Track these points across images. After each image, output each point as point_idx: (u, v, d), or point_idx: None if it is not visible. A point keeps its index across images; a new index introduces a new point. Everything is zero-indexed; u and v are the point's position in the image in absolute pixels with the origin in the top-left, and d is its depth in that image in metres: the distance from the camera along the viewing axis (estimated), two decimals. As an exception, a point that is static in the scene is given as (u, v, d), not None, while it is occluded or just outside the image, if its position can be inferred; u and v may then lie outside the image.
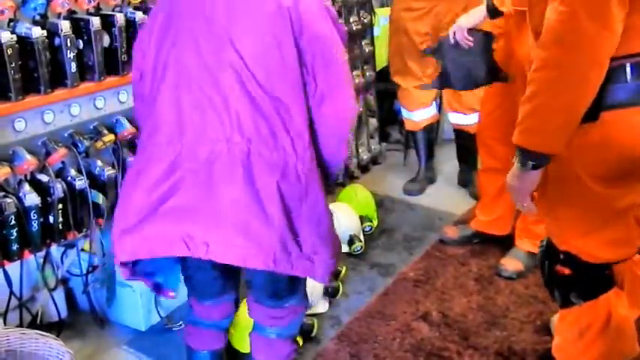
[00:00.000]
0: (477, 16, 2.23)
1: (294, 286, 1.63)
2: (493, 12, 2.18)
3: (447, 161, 3.47)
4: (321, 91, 1.44)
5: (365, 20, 3.22)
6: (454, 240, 2.72)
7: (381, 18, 3.38)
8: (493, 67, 2.29)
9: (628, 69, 1.21)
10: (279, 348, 1.74)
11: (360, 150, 3.37)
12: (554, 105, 1.20)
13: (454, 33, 2.33)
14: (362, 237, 2.77)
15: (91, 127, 2.05)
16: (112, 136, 2.06)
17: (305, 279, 1.65)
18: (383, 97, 3.52)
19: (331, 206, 2.84)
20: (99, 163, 2.05)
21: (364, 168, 3.43)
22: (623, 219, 1.37)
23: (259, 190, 1.39)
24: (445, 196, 3.21)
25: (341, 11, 3.10)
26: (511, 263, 2.50)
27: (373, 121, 3.43)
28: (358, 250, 2.71)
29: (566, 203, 1.37)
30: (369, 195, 2.98)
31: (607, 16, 1.13)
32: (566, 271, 1.45)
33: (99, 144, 2.03)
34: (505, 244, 2.62)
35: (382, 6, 3.52)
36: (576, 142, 1.27)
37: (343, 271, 2.52)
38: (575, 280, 1.46)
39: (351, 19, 3.15)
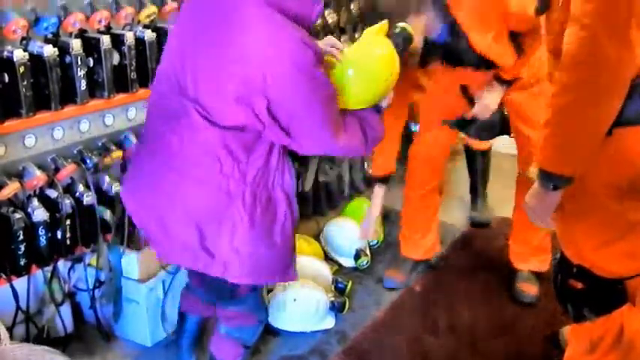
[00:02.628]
0: (499, 93, 2.17)
1: (235, 292, 1.64)
2: (507, 84, 2.17)
3: (453, 172, 3.43)
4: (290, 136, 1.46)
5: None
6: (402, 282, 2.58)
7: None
8: (507, 120, 2.33)
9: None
10: (226, 346, 1.78)
11: (365, 163, 3.34)
12: (577, 128, 1.19)
13: (480, 112, 2.26)
14: (368, 251, 2.73)
15: (100, 144, 2.04)
16: (120, 153, 2.04)
17: (256, 290, 1.69)
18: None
19: (337, 221, 2.87)
20: (107, 178, 2.03)
21: (369, 181, 3.38)
22: (637, 233, 1.34)
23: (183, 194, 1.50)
24: (450, 209, 3.17)
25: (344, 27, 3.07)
26: (531, 287, 2.44)
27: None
28: (364, 265, 2.66)
29: (580, 217, 1.35)
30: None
31: (628, 39, 1.12)
32: (579, 285, 1.43)
33: (107, 160, 2.01)
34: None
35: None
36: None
37: (349, 286, 2.47)
38: (588, 294, 1.43)
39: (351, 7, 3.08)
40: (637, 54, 1.14)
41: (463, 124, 2.29)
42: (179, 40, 1.50)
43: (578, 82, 1.17)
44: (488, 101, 2.18)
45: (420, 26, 1.89)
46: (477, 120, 2.24)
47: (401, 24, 1.67)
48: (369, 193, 3.24)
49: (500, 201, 2.87)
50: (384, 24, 1.63)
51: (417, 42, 1.88)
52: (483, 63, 2.05)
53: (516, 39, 2.01)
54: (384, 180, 2.42)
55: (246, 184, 1.46)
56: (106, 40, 1.89)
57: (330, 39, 1.64)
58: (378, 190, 2.43)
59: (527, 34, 1.99)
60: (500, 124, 2.31)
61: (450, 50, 2.01)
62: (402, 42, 1.61)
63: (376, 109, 1.59)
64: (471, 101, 2.26)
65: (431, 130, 2.43)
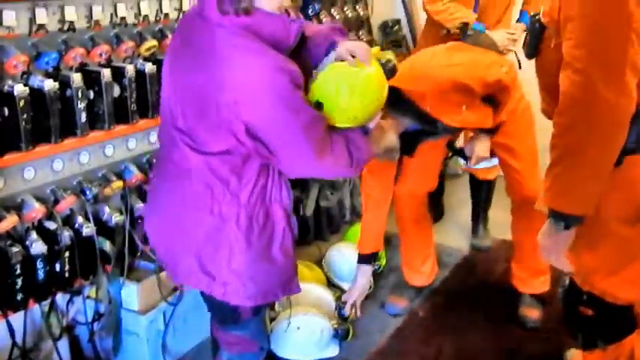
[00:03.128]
0: (487, 141, 2.20)
1: (237, 316, 1.60)
2: (492, 132, 2.20)
3: (454, 195, 3.40)
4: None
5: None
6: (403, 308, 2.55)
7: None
8: None
9: None
10: None
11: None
12: (582, 169, 1.20)
13: (477, 162, 2.28)
14: (371, 277, 2.68)
15: (100, 175, 2.02)
16: (120, 183, 2.03)
17: (258, 315, 1.65)
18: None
19: (339, 246, 2.84)
20: (107, 209, 2.01)
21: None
22: None
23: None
24: (453, 232, 3.13)
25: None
26: (533, 311, 2.43)
27: (377, 162, 3.39)
28: (367, 291, 2.62)
29: (589, 245, 1.35)
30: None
31: (624, 84, 1.14)
32: (590, 312, 1.41)
33: (107, 190, 2.00)
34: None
35: (382, 49, 3.53)
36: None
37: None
38: (598, 321, 1.42)
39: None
40: (633, 96, 1.15)
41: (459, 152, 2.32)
42: (169, 71, 1.52)
43: (579, 125, 1.17)
44: (481, 152, 2.21)
45: (394, 124, 1.92)
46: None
47: (388, 54, 1.67)
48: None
49: (501, 223, 2.83)
50: (375, 48, 1.64)
51: (393, 141, 1.92)
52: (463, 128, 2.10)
53: (489, 97, 2.04)
54: (370, 259, 2.37)
55: (240, 206, 1.45)
56: (106, 73, 1.89)
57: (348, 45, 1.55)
58: (364, 270, 2.36)
59: (497, 93, 2.03)
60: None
61: (428, 132, 2.05)
62: (388, 72, 1.61)
63: (363, 130, 1.57)
64: (458, 152, 2.29)
65: (415, 167, 2.40)
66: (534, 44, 1.45)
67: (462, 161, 2.56)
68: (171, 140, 1.48)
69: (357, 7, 3.13)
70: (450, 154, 2.46)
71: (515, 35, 2.72)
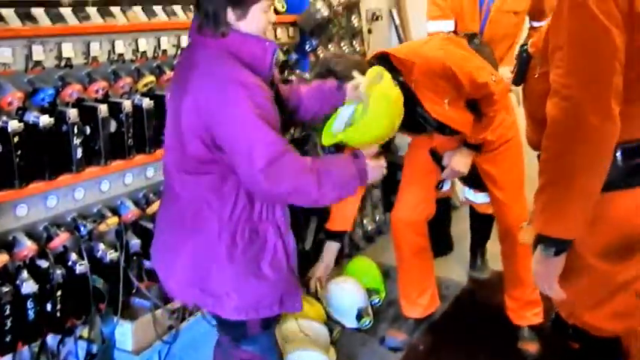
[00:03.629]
0: (467, 157, 2.19)
1: (244, 330, 1.58)
2: (476, 148, 2.19)
3: (453, 227, 3.35)
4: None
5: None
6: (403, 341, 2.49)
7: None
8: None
9: (619, 153, 1.25)
10: None
11: (364, 221, 3.27)
12: (571, 194, 1.22)
13: (450, 176, 2.29)
14: (370, 311, 2.62)
15: (95, 210, 1.97)
16: (115, 219, 1.98)
17: (268, 329, 1.63)
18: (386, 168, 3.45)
19: (338, 281, 2.77)
20: (101, 246, 1.96)
21: (369, 238, 3.32)
22: (626, 292, 1.36)
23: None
24: (452, 264, 3.07)
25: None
26: (532, 345, 2.39)
27: (376, 191, 3.35)
28: (367, 325, 2.56)
29: (570, 279, 1.35)
30: (375, 267, 2.87)
31: (608, 110, 1.17)
32: (576, 345, 1.41)
33: (102, 227, 1.94)
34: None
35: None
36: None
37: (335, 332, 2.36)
38: (585, 354, 1.42)
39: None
40: (617, 123, 1.18)
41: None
42: (168, 100, 1.58)
43: (567, 150, 1.20)
44: (456, 166, 2.17)
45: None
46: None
47: (378, 68, 1.69)
48: (369, 250, 3.18)
49: (499, 255, 2.78)
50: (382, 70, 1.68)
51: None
52: (446, 127, 2.05)
53: (474, 105, 2.03)
54: (338, 236, 2.42)
55: (221, 223, 1.48)
56: (103, 109, 1.86)
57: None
58: (331, 246, 2.42)
59: (481, 99, 2.01)
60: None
61: (412, 119, 1.99)
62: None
63: (353, 154, 1.52)
64: (440, 164, 2.26)
65: (410, 191, 2.39)
66: (521, 72, 1.51)
67: (461, 196, 2.53)
68: (164, 163, 1.58)
69: (354, 42, 3.14)
70: (441, 185, 2.42)
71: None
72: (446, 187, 2.34)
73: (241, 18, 1.42)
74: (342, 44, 3.05)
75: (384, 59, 1.97)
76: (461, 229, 3.25)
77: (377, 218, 3.36)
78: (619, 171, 1.25)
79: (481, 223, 2.97)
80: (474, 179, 2.39)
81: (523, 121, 1.88)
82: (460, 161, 2.17)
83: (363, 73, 1.72)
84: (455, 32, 2.46)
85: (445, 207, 3.17)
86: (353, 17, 3.13)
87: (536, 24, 2.57)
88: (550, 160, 1.23)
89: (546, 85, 1.26)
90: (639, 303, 1.37)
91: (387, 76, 1.68)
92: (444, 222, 3.19)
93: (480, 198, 2.79)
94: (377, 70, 1.69)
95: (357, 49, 3.15)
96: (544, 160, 1.25)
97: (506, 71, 2.58)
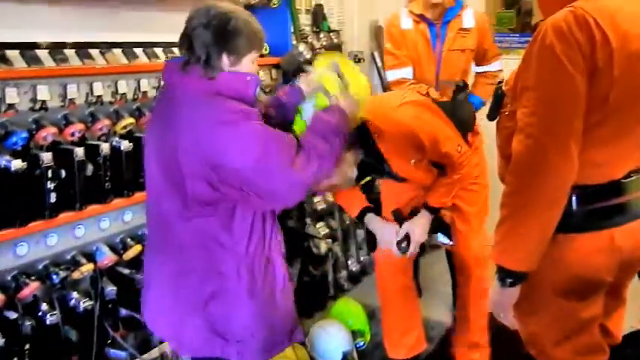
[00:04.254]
0: (426, 223, 2.13)
1: None
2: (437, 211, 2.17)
3: (435, 266, 3.27)
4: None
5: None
6: None
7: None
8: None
9: (574, 198, 1.29)
10: None
11: (349, 262, 3.19)
12: (528, 227, 1.26)
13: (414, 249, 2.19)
14: (355, 354, 2.51)
15: (69, 257, 1.88)
16: (90, 266, 1.89)
17: None
18: (371, 207, 3.39)
19: (322, 324, 2.67)
20: (75, 294, 1.86)
21: (354, 279, 3.23)
22: (590, 329, 1.39)
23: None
24: (434, 305, 2.98)
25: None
26: None
27: (361, 232, 3.28)
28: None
29: (536, 315, 1.39)
30: (360, 308, 2.77)
31: (570, 151, 1.23)
32: None
33: (76, 274, 1.84)
34: None
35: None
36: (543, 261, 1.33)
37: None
38: None
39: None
40: (576, 163, 1.24)
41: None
42: (148, 144, 1.50)
43: (528, 186, 1.25)
44: (418, 237, 2.11)
45: (350, 159, 1.88)
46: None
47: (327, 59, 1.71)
48: (355, 292, 3.08)
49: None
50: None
51: (350, 173, 1.89)
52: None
53: (438, 164, 2.05)
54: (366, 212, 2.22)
55: (239, 260, 1.42)
56: (79, 152, 1.79)
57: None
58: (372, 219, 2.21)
59: (446, 164, 2.03)
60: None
61: (374, 169, 2.02)
62: None
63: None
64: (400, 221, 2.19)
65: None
66: (495, 108, 1.55)
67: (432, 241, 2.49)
68: (159, 213, 1.46)
69: (337, 83, 3.13)
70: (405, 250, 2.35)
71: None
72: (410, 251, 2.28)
73: (234, 65, 1.41)
74: (324, 85, 3.04)
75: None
76: (442, 269, 3.18)
77: (361, 259, 3.29)
78: (575, 215, 1.29)
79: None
80: (440, 224, 2.34)
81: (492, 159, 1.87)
82: (421, 231, 2.13)
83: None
84: (414, 78, 2.56)
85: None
86: (335, 59, 3.13)
87: (480, 69, 2.72)
88: (511, 194, 1.28)
89: (514, 123, 1.30)
90: (603, 339, 1.41)
91: (342, 60, 1.70)
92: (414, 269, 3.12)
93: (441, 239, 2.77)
94: (327, 60, 1.69)
95: (340, 90, 3.14)
96: (506, 193, 1.29)
97: None
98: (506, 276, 1.29)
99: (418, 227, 2.11)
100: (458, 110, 2.20)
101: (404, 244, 2.08)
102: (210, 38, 1.37)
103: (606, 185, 1.30)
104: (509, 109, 1.41)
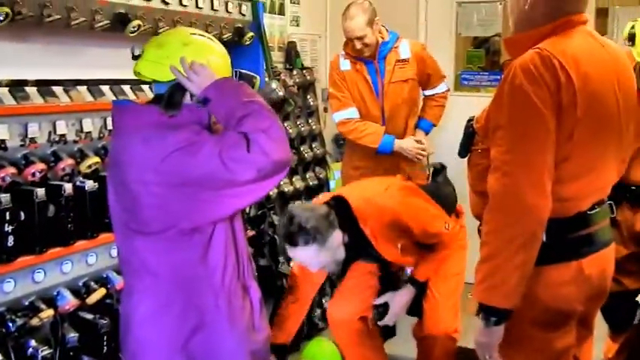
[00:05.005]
0: (408, 296, 2.15)
1: None
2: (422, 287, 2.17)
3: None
4: None
5: (320, 175, 3.17)
6: None
7: (336, 172, 3.34)
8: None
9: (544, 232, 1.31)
10: None
11: (323, 300, 3.11)
12: (511, 264, 1.28)
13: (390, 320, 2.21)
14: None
15: (27, 303, 1.77)
16: (50, 311, 1.78)
17: None
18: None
19: (295, 365, 2.58)
20: (33, 342, 1.75)
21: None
22: (567, 357, 1.42)
23: None
24: (406, 342, 2.89)
25: (297, 169, 3.03)
26: None
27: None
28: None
29: (512, 347, 1.38)
30: (334, 348, 2.67)
31: (543, 187, 1.26)
32: None
33: (34, 321, 1.74)
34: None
35: (337, 161, 3.51)
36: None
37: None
38: None
39: (307, 175, 3.09)
40: (550, 199, 1.27)
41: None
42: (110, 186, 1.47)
43: (507, 224, 1.28)
44: (398, 309, 2.13)
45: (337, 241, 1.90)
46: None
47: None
48: (329, 331, 2.99)
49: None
50: None
51: (338, 255, 1.92)
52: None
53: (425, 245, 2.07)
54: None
55: (215, 292, 1.40)
56: (40, 193, 1.72)
57: None
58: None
59: (435, 243, 2.06)
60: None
61: (361, 252, 2.03)
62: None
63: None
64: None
65: (348, 292, 2.28)
66: (466, 146, 1.57)
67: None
68: (131, 252, 1.42)
69: (310, 121, 3.13)
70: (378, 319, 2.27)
71: (423, 144, 2.80)
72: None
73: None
74: (298, 122, 3.03)
75: (340, 203, 1.95)
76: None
77: (336, 296, 3.21)
78: (545, 248, 1.30)
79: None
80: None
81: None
82: (402, 305, 2.14)
83: (331, 225, 1.83)
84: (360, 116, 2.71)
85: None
86: (308, 96, 3.13)
87: (427, 92, 2.86)
88: (491, 233, 1.31)
89: (487, 161, 1.34)
90: None
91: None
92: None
93: None
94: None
95: (314, 127, 3.14)
96: (486, 232, 1.32)
97: (411, 141, 2.76)
98: (491, 314, 1.31)
99: (400, 300, 2.11)
100: (440, 190, 2.22)
101: (381, 310, 2.06)
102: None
103: (573, 218, 1.34)
104: (480, 147, 1.44)
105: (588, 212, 1.35)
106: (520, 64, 1.27)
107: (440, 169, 2.31)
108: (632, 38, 2.02)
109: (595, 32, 1.42)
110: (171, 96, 1.37)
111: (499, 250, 1.28)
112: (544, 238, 1.30)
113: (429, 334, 2.22)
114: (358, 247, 1.97)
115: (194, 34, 1.47)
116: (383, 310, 2.10)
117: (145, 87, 2.13)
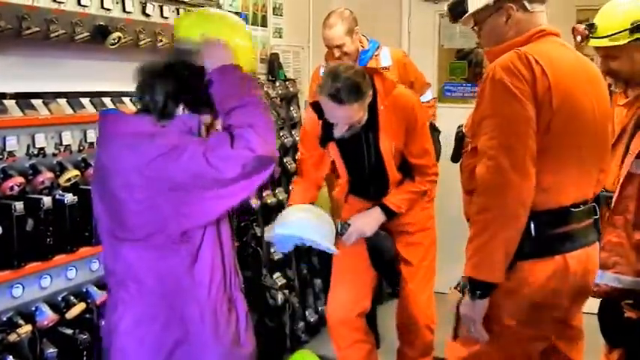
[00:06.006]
0: (375, 220, 2.19)
1: None
2: (390, 214, 2.21)
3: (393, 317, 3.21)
4: None
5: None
6: None
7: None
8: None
9: (532, 225, 1.40)
10: None
11: (306, 312, 3.11)
12: (495, 241, 1.37)
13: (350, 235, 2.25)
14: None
15: (5, 319, 1.75)
16: (29, 327, 1.76)
17: None
18: (328, 255, 3.34)
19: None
20: (11, 359, 1.72)
21: (313, 330, 3.13)
22: (538, 352, 1.51)
23: None
24: (392, 355, 2.90)
25: (280, 181, 3.03)
26: None
27: (318, 282, 3.22)
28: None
29: (491, 340, 1.46)
30: (318, 361, 2.66)
31: (525, 169, 1.36)
32: None
33: (12, 337, 1.71)
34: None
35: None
36: (502, 287, 1.41)
37: None
38: None
39: (291, 187, 3.08)
40: (533, 182, 1.37)
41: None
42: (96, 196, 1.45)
43: (493, 203, 1.38)
44: (361, 225, 2.17)
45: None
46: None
47: None
48: (313, 344, 2.99)
49: (439, 343, 2.66)
50: None
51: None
52: (375, 178, 2.18)
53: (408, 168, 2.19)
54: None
55: (200, 305, 1.40)
56: (18, 207, 1.71)
57: None
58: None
59: (418, 167, 2.18)
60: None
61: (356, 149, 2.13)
62: None
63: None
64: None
65: (343, 288, 2.30)
66: (457, 150, 1.70)
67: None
68: (117, 262, 1.41)
69: (293, 132, 3.13)
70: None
71: None
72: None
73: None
74: (281, 134, 3.04)
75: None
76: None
77: (319, 309, 3.20)
78: (533, 242, 1.40)
79: None
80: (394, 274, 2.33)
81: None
82: (366, 222, 2.18)
83: (368, 84, 2.01)
84: None
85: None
86: (291, 108, 3.15)
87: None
88: (478, 213, 1.40)
89: (474, 160, 1.44)
90: None
91: None
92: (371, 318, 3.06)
93: None
94: None
95: (297, 138, 3.14)
96: (474, 212, 1.41)
97: None
98: (477, 288, 1.41)
99: (363, 218, 2.17)
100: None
101: (346, 225, 2.14)
102: (174, 87, 1.39)
103: (557, 212, 1.42)
104: (470, 147, 1.53)
105: (572, 209, 1.43)
106: (499, 63, 1.40)
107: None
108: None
109: (567, 43, 1.54)
110: (164, 106, 1.39)
111: (485, 229, 1.37)
112: (533, 232, 1.39)
113: (407, 324, 2.31)
114: (367, 126, 2.07)
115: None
116: (348, 226, 2.15)
117: (126, 99, 2.13)
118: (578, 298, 1.52)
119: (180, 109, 1.40)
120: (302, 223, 2.01)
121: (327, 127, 2.13)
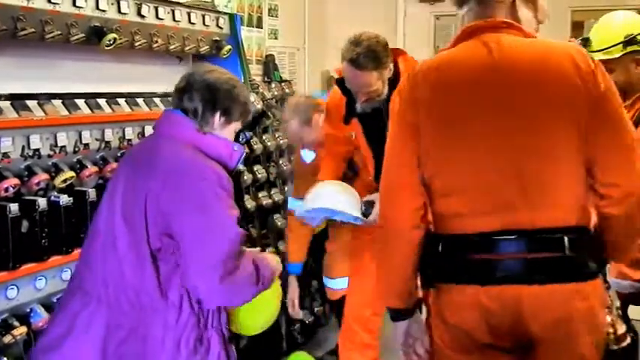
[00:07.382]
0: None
1: None
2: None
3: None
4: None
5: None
6: None
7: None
8: None
9: (440, 247, 1.31)
10: None
11: (302, 313, 3.11)
12: (388, 271, 1.38)
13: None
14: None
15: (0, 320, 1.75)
16: (23, 328, 1.77)
17: None
18: (323, 257, 3.35)
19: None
20: (5, 361, 1.71)
21: (308, 332, 3.14)
22: None
23: None
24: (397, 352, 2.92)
25: (275, 182, 3.04)
26: None
27: (314, 283, 3.22)
28: None
29: None
30: (314, 363, 2.68)
31: (398, 201, 1.33)
32: None
33: (7, 338, 1.72)
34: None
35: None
36: (431, 308, 1.38)
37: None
38: None
39: (286, 188, 3.11)
40: (409, 215, 1.31)
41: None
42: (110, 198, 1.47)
43: (378, 236, 1.40)
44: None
45: None
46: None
47: None
48: (309, 345, 3.00)
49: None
50: None
51: None
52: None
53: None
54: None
55: (166, 329, 1.38)
56: (13, 208, 1.71)
57: None
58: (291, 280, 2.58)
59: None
60: None
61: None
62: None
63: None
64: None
65: (361, 289, 2.31)
66: None
67: None
68: (113, 257, 1.41)
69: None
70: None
71: None
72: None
73: (221, 127, 1.50)
74: (276, 135, 3.06)
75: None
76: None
77: (315, 310, 3.21)
78: (444, 264, 1.31)
79: None
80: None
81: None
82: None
83: (389, 55, 2.03)
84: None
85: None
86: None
87: None
88: (375, 242, 1.43)
89: None
90: None
91: None
92: None
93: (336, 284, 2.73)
94: None
95: (293, 139, 3.16)
96: (375, 248, 1.44)
97: None
98: (390, 312, 1.43)
99: None
100: None
101: (368, 206, 2.15)
102: (212, 96, 1.46)
103: (474, 237, 1.25)
104: None
105: (493, 237, 1.23)
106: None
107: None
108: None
109: (504, 38, 1.27)
110: (204, 115, 1.46)
111: (379, 260, 1.41)
112: (442, 254, 1.29)
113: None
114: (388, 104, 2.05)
115: None
116: (370, 206, 2.17)
117: (121, 100, 2.14)
118: (512, 341, 1.28)
119: (216, 119, 1.47)
120: (333, 195, 2.12)
121: (351, 104, 2.15)
